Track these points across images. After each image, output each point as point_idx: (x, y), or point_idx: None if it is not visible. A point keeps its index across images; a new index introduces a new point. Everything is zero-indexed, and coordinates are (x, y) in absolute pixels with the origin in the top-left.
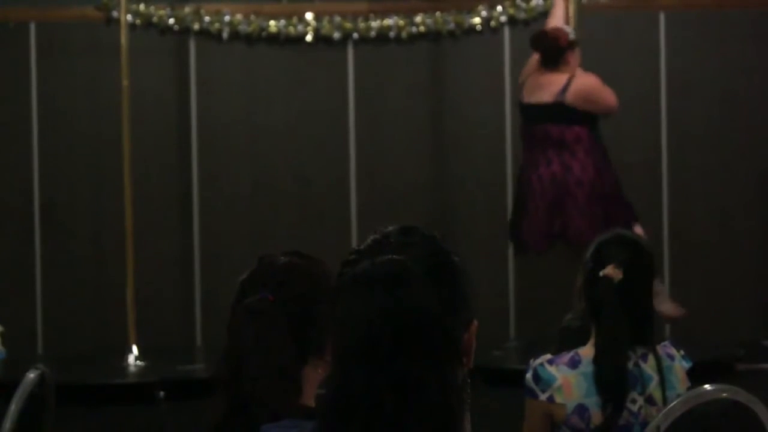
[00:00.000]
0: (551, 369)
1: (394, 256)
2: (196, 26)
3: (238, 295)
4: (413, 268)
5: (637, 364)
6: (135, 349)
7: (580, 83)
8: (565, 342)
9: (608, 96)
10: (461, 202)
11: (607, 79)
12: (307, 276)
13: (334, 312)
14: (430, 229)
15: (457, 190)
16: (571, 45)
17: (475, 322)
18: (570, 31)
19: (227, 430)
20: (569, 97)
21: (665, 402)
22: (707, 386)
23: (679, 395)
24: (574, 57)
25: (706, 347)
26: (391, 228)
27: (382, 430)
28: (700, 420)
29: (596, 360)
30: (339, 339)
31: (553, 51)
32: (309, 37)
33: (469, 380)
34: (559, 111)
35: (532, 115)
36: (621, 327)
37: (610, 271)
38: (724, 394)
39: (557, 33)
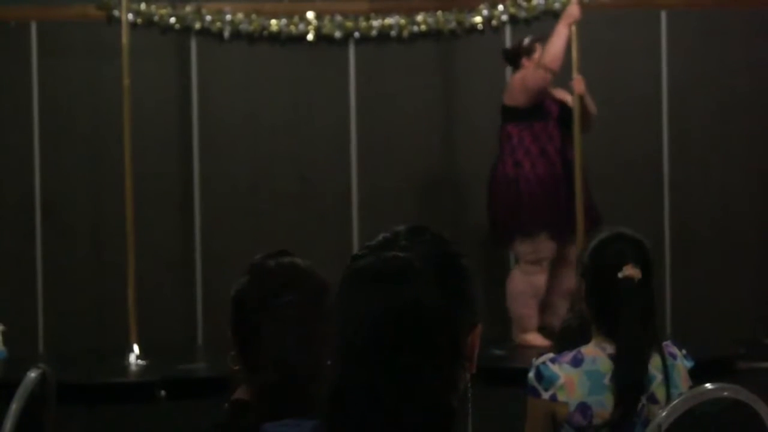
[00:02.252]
0: (554, 367)
1: (399, 253)
2: (197, 25)
3: (245, 304)
4: (418, 265)
5: None
6: (136, 348)
7: (509, 81)
8: (565, 341)
9: (526, 81)
10: (463, 200)
11: (608, 77)
12: (309, 273)
13: (336, 306)
14: (439, 229)
15: (458, 187)
16: (525, 51)
17: (480, 326)
18: (526, 39)
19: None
20: (504, 97)
21: (668, 400)
22: (709, 385)
23: (681, 394)
24: (531, 61)
25: (707, 345)
26: (401, 227)
27: (383, 427)
28: (701, 418)
29: (618, 361)
30: (341, 334)
31: (512, 60)
32: (310, 36)
33: (470, 384)
34: (501, 112)
35: None
36: (642, 327)
37: (630, 271)
38: (726, 393)
39: (513, 43)
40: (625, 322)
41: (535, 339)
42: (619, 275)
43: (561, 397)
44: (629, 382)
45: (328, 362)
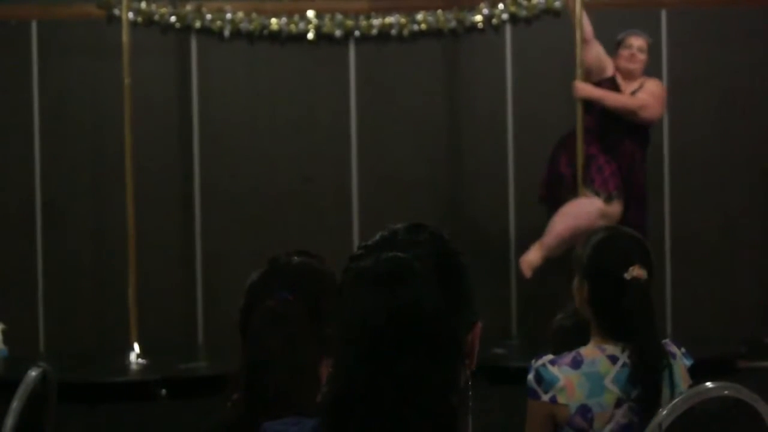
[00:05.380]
0: (553, 369)
1: (398, 254)
2: (198, 24)
3: (251, 298)
4: (417, 266)
5: None
6: (137, 347)
7: None
8: (560, 342)
9: None
10: (463, 198)
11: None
12: (319, 275)
13: (337, 308)
14: (438, 227)
15: (459, 187)
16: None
17: (479, 324)
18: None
19: (244, 429)
20: None
21: (668, 399)
22: (709, 384)
23: (681, 393)
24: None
25: (708, 345)
26: (399, 225)
27: (383, 428)
28: (702, 417)
29: (636, 364)
30: (341, 335)
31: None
32: (311, 35)
33: (470, 382)
34: None
35: None
36: (655, 327)
37: (637, 272)
38: (727, 392)
39: None
40: (639, 324)
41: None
42: (626, 276)
43: (561, 400)
44: (647, 380)
45: (324, 364)
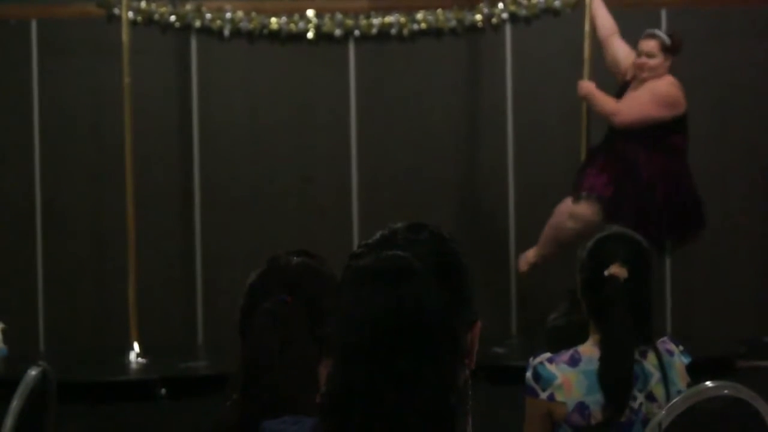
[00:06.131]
0: (551, 367)
1: (398, 252)
2: (198, 23)
3: (250, 299)
4: (417, 265)
5: (638, 361)
6: (136, 346)
7: None
8: (554, 341)
9: None
10: (463, 198)
11: (606, 76)
12: (318, 275)
13: (336, 307)
14: (438, 226)
15: (459, 186)
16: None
17: (479, 324)
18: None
19: (244, 429)
20: None
21: (667, 399)
22: (709, 383)
23: (679, 391)
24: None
25: (707, 344)
26: (399, 224)
27: (382, 427)
28: (701, 416)
29: (602, 359)
30: (340, 334)
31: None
32: (310, 35)
33: (470, 381)
34: None
35: None
36: (628, 327)
37: (615, 270)
38: (726, 391)
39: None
40: (610, 321)
41: None
42: (605, 273)
43: (559, 397)
44: (613, 380)
45: (323, 364)
